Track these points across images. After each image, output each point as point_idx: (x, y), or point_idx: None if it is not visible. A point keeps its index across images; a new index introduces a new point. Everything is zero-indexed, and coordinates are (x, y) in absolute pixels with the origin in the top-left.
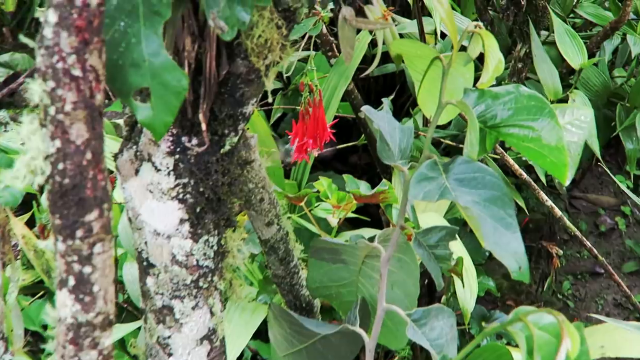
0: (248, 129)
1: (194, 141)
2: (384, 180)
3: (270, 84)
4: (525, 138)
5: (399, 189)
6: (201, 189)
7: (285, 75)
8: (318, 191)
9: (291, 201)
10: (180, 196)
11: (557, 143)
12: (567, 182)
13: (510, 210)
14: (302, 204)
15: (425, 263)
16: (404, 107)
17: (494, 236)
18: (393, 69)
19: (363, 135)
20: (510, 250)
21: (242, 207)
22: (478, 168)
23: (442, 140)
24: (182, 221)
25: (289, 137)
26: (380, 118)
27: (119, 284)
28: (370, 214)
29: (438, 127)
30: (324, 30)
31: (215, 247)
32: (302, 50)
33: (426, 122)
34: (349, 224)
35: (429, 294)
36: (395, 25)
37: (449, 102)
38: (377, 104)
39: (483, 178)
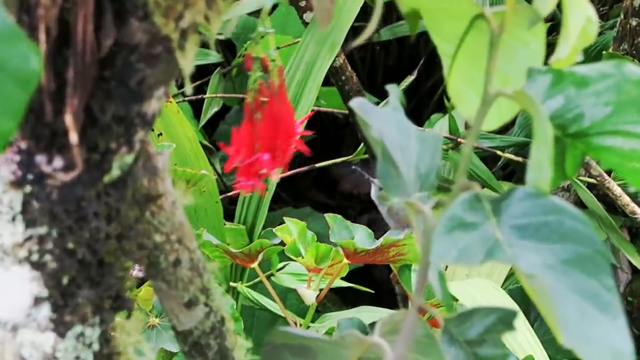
0: (160, 134)
1: (57, 162)
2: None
3: (188, 62)
4: (635, 154)
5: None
6: (70, 246)
7: (226, 41)
8: (282, 243)
9: (236, 261)
10: (34, 258)
11: None
12: None
13: (607, 278)
14: (256, 265)
15: None
16: (433, 95)
17: (579, 324)
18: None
19: (362, 144)
20: (607, 349)
21: (145, 275)
22: (552, 207)
23: (499, 153)
24: (37, 301)
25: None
26: (382, 120)
27: None
28: (375, 281)
29: (492, 131)
30: None
31: (95, 346)
32: None
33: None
34: (337, 297)
35: None
36: None
37: (500, 92)
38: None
39: (560, 224)
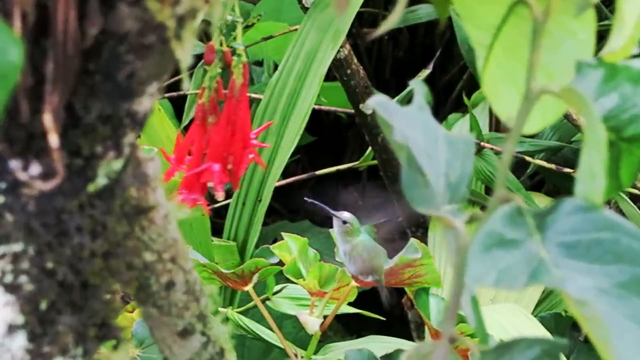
0: (138, 136)
1: (35, 169)
2: (412, 240)
3: (186, 53)
4: None
5: (444, 260)
6: (49, 265)
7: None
8: (281, 262)
9: (227, 283)
10: (8, 279)
11: None
12: None
13: None
14: (250, 288)
15: None
16: (451, 92)
17: (638, 357)
18: (429, 16)
19: (370, 148)
20: None
21: (134, 299)
22: (605, 222)
23: (528, 159)
24: (12, 329)
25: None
26: (406, 122)
27: None
28: (384, 307)
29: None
30: None
31: None
32: None
33: (496, 122)
34: (340, 325)
35: None
36: None
37: (545, 88)
38: (397, 87)
39: (615, 242)
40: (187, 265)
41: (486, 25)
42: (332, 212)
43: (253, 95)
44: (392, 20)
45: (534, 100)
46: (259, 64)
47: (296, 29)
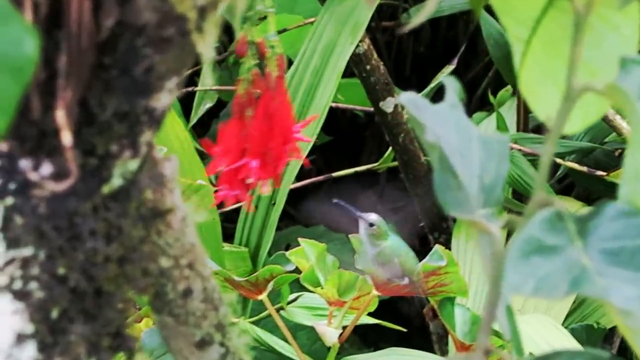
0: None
1: (46, 169)
2: (436, 247)
3: (207, 46)
4: None
5: (469, 268)
6: (61, 271)
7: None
8: (297, 269)
9: (239, 291)
10: (17, 286)
11: None
12: None
13: None
14: (264, 297)
15: None
16: (475, 89)
17: None
18: (453, 8)
19: (390, 148)
20: None
21: (150, 306)
22: None
23: (559, 161)
24: (20, 339)
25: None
26: (438, 119)
27: None
28: (403, 317)
29: (541, 132)
30: None
31: None
32: None
33: (524, 122)
34: (356, 337)
35: None
36: None
37: (587, 86)
38: (418, 85)
39: None
40: (205, 271)
41: (525, 18)
42: (358, 213)
43: None
44: (429, 10)
45: (575, 99)
46: None
47: (312, 22)
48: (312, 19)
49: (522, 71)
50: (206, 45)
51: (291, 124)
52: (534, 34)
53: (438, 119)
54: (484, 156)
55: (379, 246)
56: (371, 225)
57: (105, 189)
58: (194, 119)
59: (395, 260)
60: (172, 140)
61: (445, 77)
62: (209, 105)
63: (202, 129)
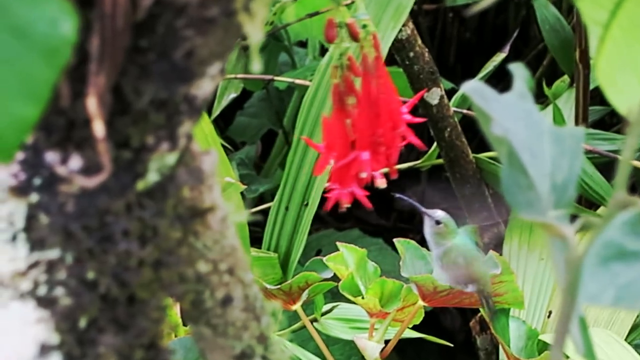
0: None
1: (75, 163)
2: (490, 253)
3: (256, 28)
4: None
5: (522, 277)
6: (90, 276)
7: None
8: (335, 277)
9: (271, 301)
10: (42, 292)
11: None
12: None
13: None
14: (298, 307)
15: None
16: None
17: None
18: None
19: (435, 144)
20: None
21: (184, 316)
22: None
23: (620, 158)
24: (45, 350)
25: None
26: (506, 111)
27: None
28: (445, 331)
29: (602, 127)
30: None
31: None
32: None
33: (583, 115)
34: (395, 352)
35: None
36: None
37: None
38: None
39: None
40: (247, 277)
41: (600, 3)
42: (424, 210)
43: (297, 81)
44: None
45: None
46: (303, 44)
47: (349, 4)
48: (348, 1)
49: (600, 59)
50: (255, 27)
51: (398, 105)
52: (614, 17)
53: (506, 111)
54: (555, 152)
55: (444, 246)
56: (437, 222)
57: (140, 185)
58: (216, 111)
59: (461, 262)
60: (197, 134)
61: (514, 64)
62: (233, 95)
63: (223, 122)
